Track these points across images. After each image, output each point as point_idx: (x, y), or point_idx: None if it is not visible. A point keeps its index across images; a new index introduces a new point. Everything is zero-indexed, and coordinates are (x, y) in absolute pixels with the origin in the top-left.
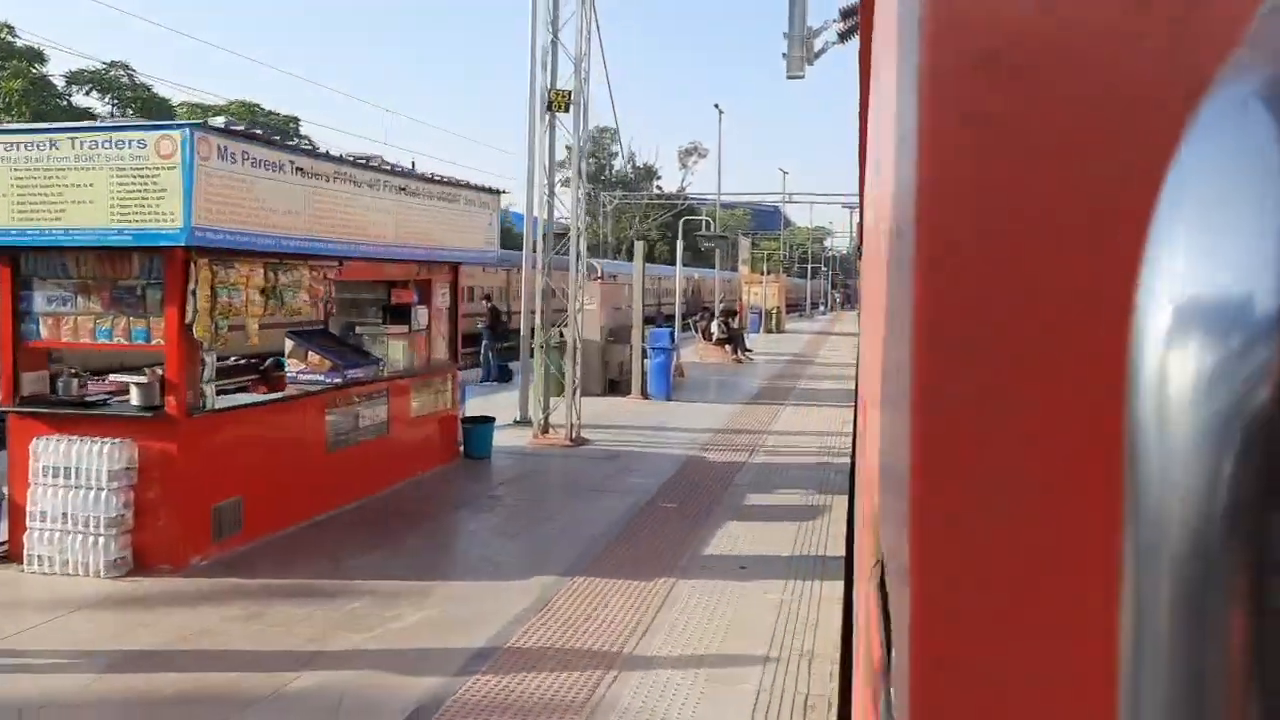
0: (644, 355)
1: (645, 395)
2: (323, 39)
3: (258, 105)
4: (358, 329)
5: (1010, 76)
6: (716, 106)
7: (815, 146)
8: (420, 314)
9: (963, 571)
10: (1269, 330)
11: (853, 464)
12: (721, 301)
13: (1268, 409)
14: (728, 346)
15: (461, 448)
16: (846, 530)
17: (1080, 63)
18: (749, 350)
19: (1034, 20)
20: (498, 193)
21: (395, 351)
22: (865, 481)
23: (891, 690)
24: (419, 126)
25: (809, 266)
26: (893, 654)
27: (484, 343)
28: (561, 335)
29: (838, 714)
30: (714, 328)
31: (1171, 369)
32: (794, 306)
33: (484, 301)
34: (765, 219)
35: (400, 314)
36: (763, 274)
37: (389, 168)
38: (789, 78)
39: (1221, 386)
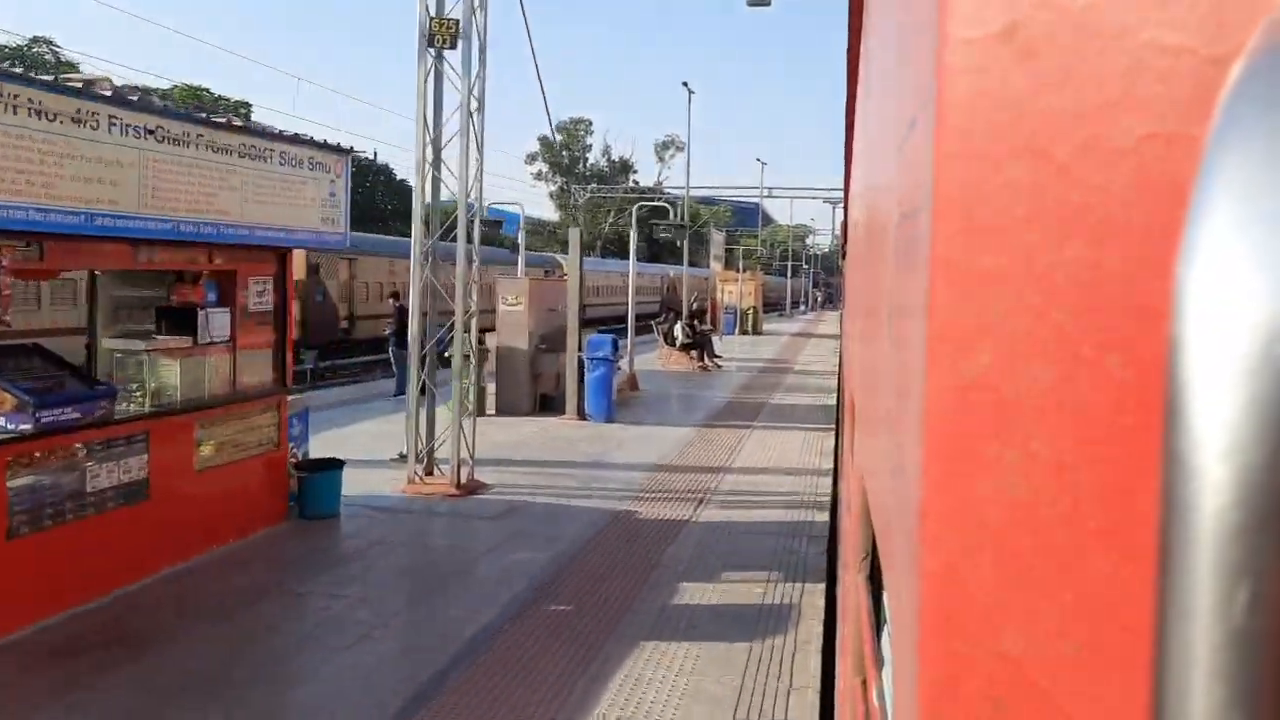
0: (582, 367)
1: (582, 415)
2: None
3: (205, 89)
4: (107, 344)
5: (1029, 49)
6: (685, 85)
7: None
8: (215, 320)
9: (975, 565)
10: None
11: (837, 462)
12: (695, 301)
13: None
14: (693, 353)
15: (296, 504)
16: (830, 520)
17: (1101, 32)
18: (718, 356)
19: None
20: (345, 151)
21: (166, 375)
22: (853, 473)
23: (885, 678)
24: (381, 114)
25: (788, 264)
26: (883, 642)
27: (391, 350)
28: (483, 341)
29: (819, 703)
30: (677, 331)
31: (1218, 331)
32: (774, 305)
33: (390, 301)
34: (747, 216)
35: (182, 320)
36: (739, 271)
37: (136, 98)
38: (750, 5)
39: (1268, 346)
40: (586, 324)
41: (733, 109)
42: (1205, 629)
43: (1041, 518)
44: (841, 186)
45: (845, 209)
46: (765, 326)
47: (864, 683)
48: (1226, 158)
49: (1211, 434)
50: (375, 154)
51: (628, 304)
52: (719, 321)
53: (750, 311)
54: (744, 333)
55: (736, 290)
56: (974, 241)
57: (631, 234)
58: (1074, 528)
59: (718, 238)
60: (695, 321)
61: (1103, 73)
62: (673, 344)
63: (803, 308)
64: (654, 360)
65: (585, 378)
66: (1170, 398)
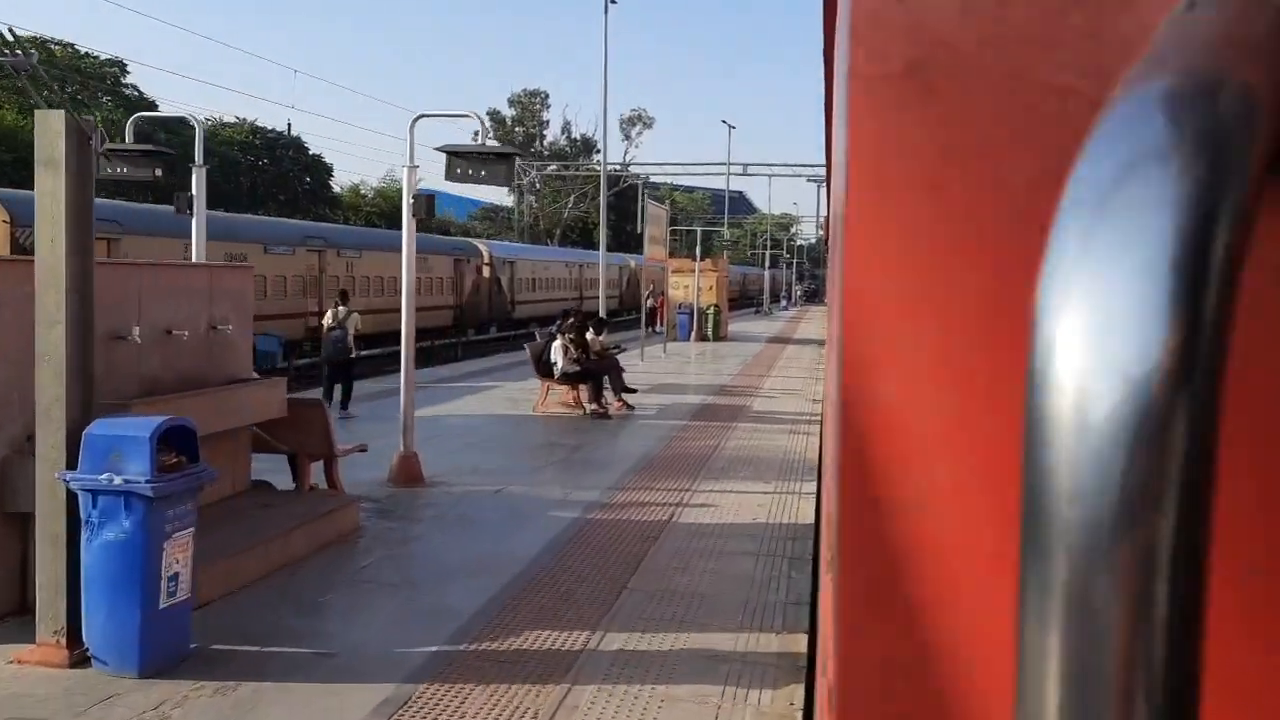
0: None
1: (74, 643)
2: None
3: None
4: None
5: (932, 85)
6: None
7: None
8: None
9: (877, 565)
10: (1153, 331)
11: (820, 461)
12: (650, 296)
13: (1156, 408)
14: (582, 388)
15: None
16: (814, 524)
17: (999, 72)
18: (629, 391)
19: (955, 31)
20: None
21: None
22: (827, 479)
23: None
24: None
25: (765, 253)
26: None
27: None
28: None
29: (804, 707)
30: (555, 354)
31: (1065, 367)
32: (749, 300)
33: None
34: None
35: None
36: (695, 258)
37: None
38: None
39: (1112, 385)
40: (518, 325)
41: (709, 82)
42: (1058, 669)
43: (943, 542)
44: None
45: (828, 200)
46: (732, 328)
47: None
48: (1079, 201)
49: (1057, 478)
50: (290, 125)
51: (579, 299)
52: (675, 320)
53: (711, 312)
54: (702, 338)
55: (692, 284)
56: (880, 270)
57: (602, 218)
58: (970, 555)
59: (657, 212)
60: (584, 337)
61: (996, 111)
62: (550, 373)
63: (784, 303)
64: (520, 398)
65: (84, 551)
66: (1025, 441)
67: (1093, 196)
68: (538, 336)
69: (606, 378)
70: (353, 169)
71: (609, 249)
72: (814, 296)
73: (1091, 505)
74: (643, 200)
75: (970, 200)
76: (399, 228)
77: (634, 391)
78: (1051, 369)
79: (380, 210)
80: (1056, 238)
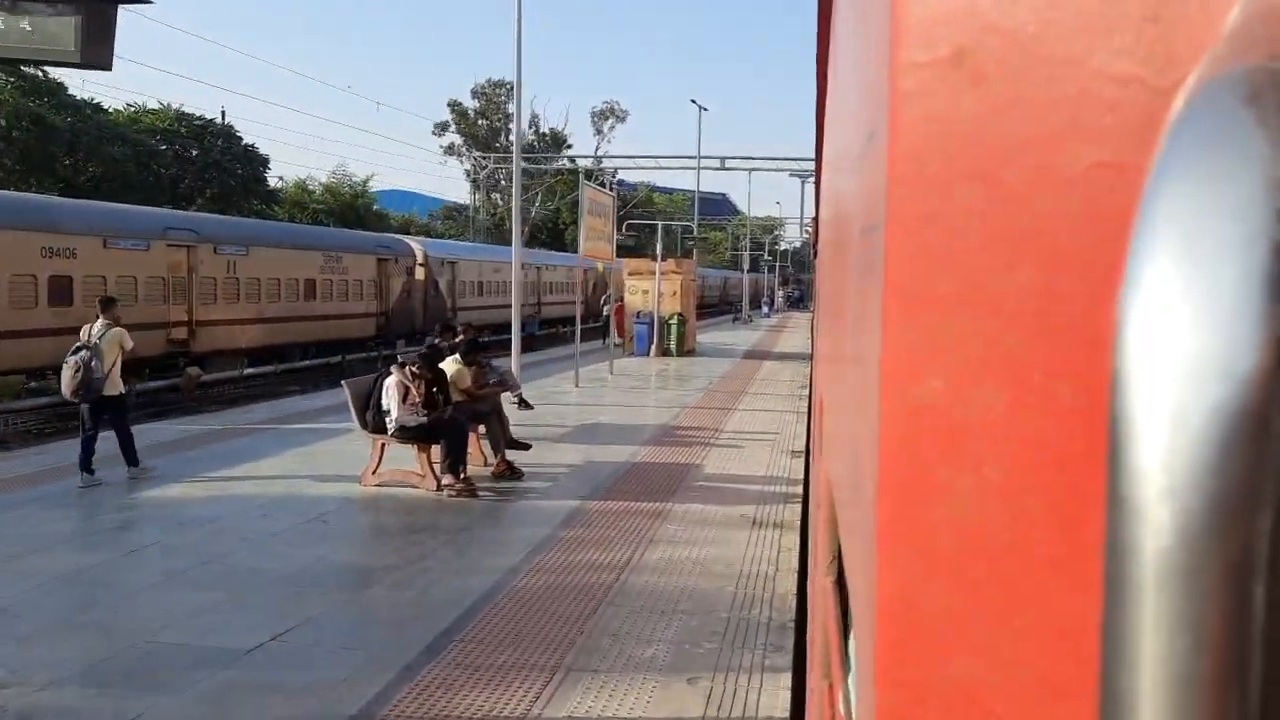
0: None
1: None
2: None
3: None
4: None
5: (982, 72)
6: None
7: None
8: None
9: (929, 592)
10: (1253, 328)
11: (807, 459)
12: (605, 302)
13: (1255, 404)
14: (436, 450)
15: None
16: (801, 523)
17: (1053, 59)
18: (519, 446)
19: (1006, 17)
20: None
21: None
22: (823, 476)
23: (850, 683)
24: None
25: (745, 254)
26: (850, 645)
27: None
28: None
29: (791, 707)
30: (388, 397)
31: (1157, 362)
32: (726, 306)
33: None
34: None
35: None
36: (656, 258)
37: None
38: None
39: (1206, 385)
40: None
41: (687, 78)
42: (1149, 672)
43: (994, 544)
44: (808, 157)
45: (816, 204)
46: (703, 339)
47: (830, 686)
48: (1166, 189)
49: (1151, 475)
50: (223, 112)
51: (538, 304)
52: (626, 328)
53: (674, 322)
54: (663, 353)
55: (652, 289)
56: (926, 265)
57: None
58: (1025, 555)
59: (599, 199)
60: (438, 369)
61: (1052, 100)
62: (382, 427)
63: (765, 310)
64: (348, 453)
65: None
66: (1112, 435)
67: (1183, 187)
68: (390, 372)
69: (484, 427)
70: (302, 162)
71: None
72: (798, 302)
73: (1186, 503)
74: (582, 189)
75: (1022, 191)
76: (350, 226)
77: (526, 447)
78: (1143, 365)
79: (329, 208)
80: (1143, 230)
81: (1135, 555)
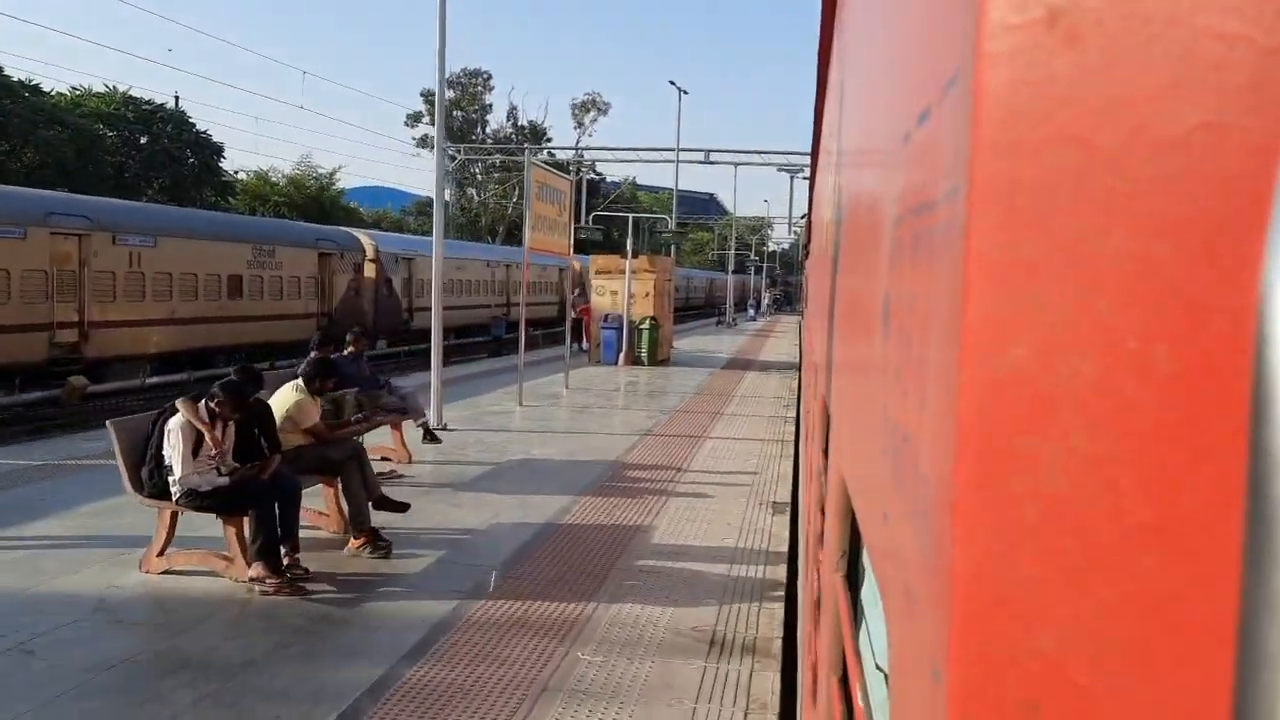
0: None
1: None
2: None
3: None
4: None
5: (1077, 33)
6: None
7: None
8: None
9: (1010, 564)
10: None
11: (796, 456)
12: (575, 301)
13: None
14: (262, 566)
15: None
16: (790, 522)
17: (1154, 18)
18: (394, 507)
19: None
20: None
21: None
22: (833, 475)
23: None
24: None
25: (731, 253)
26: (863, 640)
27: None
28: None
29: (780, 703)
30: (170, 449)
31: None
32: (712, 308)
33: None
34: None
35: None
36: (626, 255)
37: None
38: None
39: None
40: (419, 339)
41: (673, 70)
42: None
43: (1081, 514)
44: (798, 151)
45: (809, 205)
46: (681, 344)
47: (843, 680)
48: None
49: None
50: (176, 98)
51: (507, 304)
52: (591, 332)
53: (645, 327)
54: (634, 362)
55: (622, 290)
56: (1012, 232)
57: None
58: (1115, 524)
59: (552, 182)
60: (243, 401)
61: (1152, 60)
62: (165, 490)
63: (751, 312)
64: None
65: None
66: (1257, 399)
67: None
68: (174, 409)
69: (341, 482)
70: (271, 153)
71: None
72: (785, 304)
73: None
74: (528, 168)
75: (1117, 154)
76: (314, 221)
77: (401, 508)
78: None
79: (291, 201)
80: None
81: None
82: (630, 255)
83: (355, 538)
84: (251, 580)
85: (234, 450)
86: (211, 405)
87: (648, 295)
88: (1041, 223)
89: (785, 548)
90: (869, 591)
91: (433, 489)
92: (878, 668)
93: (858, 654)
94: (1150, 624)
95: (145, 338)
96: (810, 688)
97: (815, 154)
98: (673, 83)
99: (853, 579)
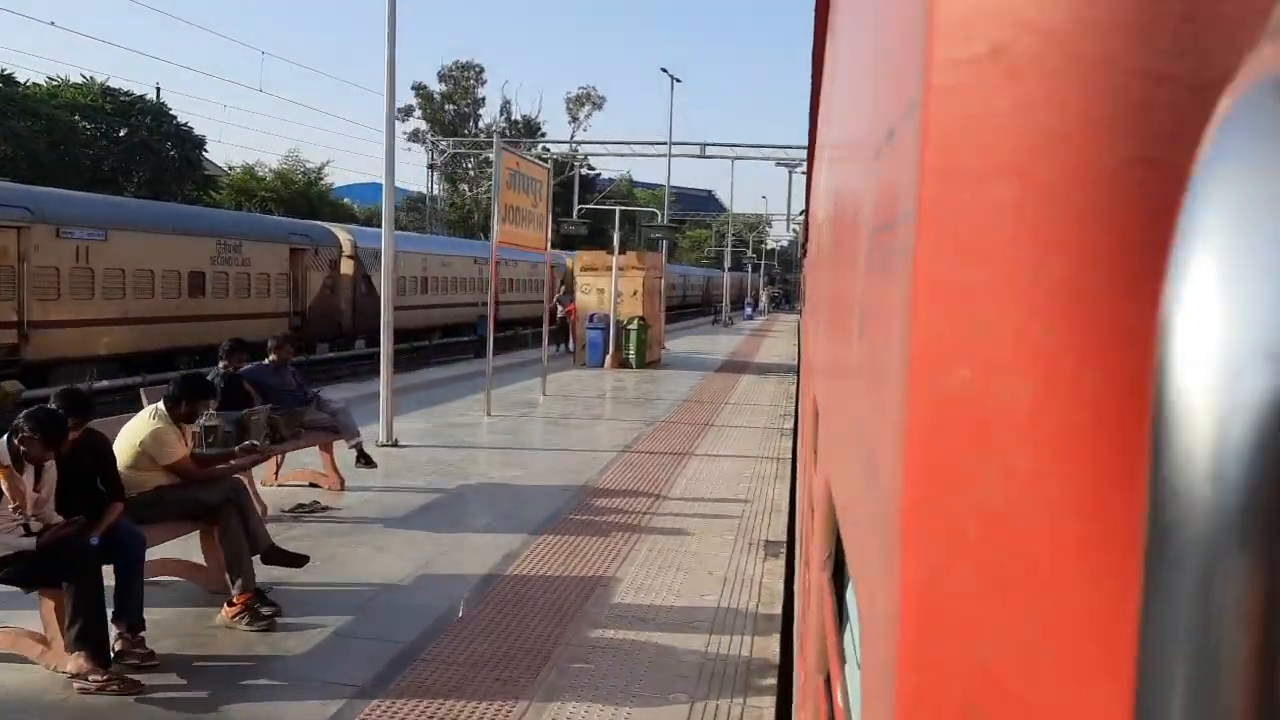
0: None
1: None
2: None
3: None
4: None
5: (1018, 69)
6: None
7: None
8: None
9: (953, 577)
10: None
11: (794, 455)
12: (557, 300)
13: None
14: (53, 604)
15: None
16: (788, 518)
17: (1089, 56)
18: (288, 561)
19: (1042, 14)
20: None
21: None
22: (818, 476)
23: (850, 677)
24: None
25: (727, 250)
26: (847, 640)
27: None
28: None
29: (777, 702)
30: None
31: (1202, 356)
32: (706, 306)
33: None
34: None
35: None
36: (612, 251)
37: None
38: None
39: (1250, 372)
40: (400, 339)
41: (671, 62)
42: (1187, 649)
43: (1019, 530)
44: (797, 145)
45: (807, 203)
46: (674, 344)
47: (827, 680)
48: (1213, 186)
49: (1196, 457)
50: (158, 89)
51: (500, 304)
52: (579, 333)
53: (633, 328)
54: (621, 365)
55: (608, 288)
56: (957, 257)
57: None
58: (1050, 541)
59: (529, 171)
60: (56, 436)
61: (1087, 97)
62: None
63: (748, 311)
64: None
65: None
66: (1155, 420)
67: (1227, 180)
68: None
69: (218, 536)
70: (260, 147)
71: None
72: (784, 303)
73: (1232, 483)
74: (497, 152)
75: (1055, 186)
76: (301, 216)
77: (297, 562)
78: (1188, 353)
79: (278, 196)
80: (1189, 221)
81: (1176, 535)
82: (617, 251)
83: (230, 603)
84: (70, 675)
85: (59, 499)
86: (18, 442)
87: (636, 293)
88: (984, 250)
89: (779, 607)
90: (853, 593)
91: (359, 526)
92: (859, 667)
93: (840, 654)
94: (1080, 636)
95: (94, 339)
96: (802, 686)
97: (811, 149)
98: (664, 70)
99: (839, 580)
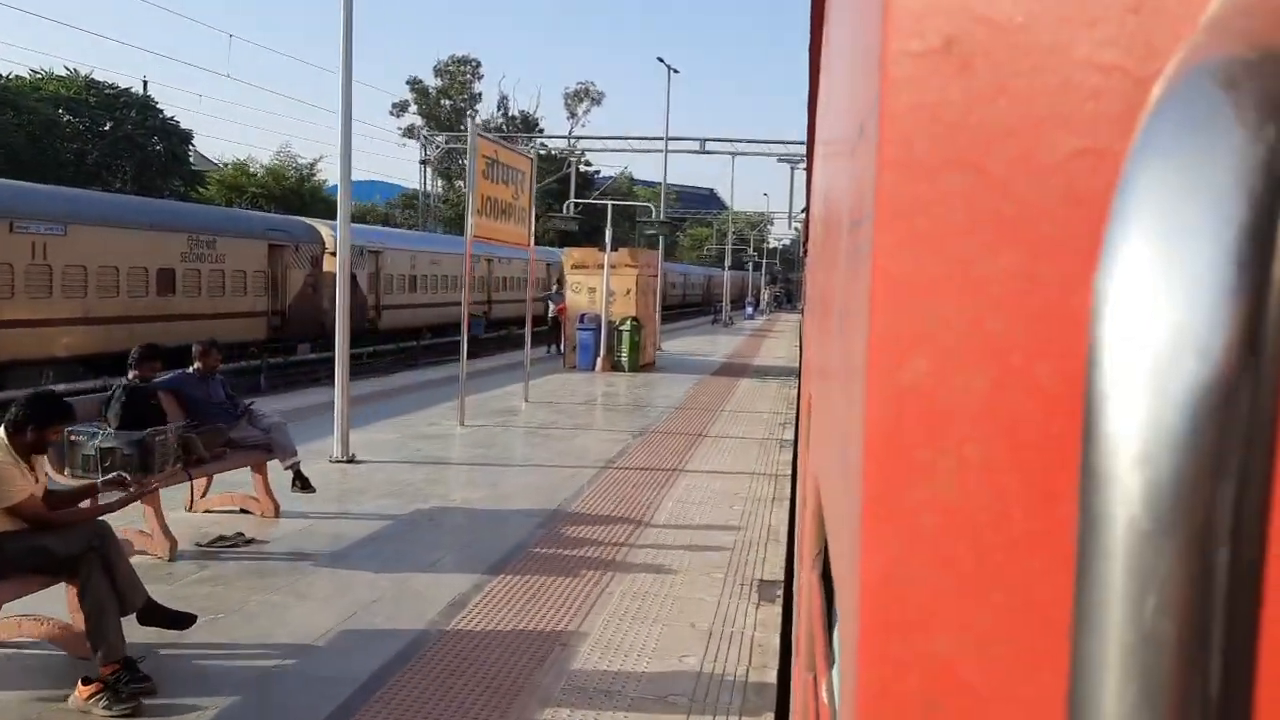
0: None
1: None
2: None
3: None
4: None
5: (969, 62)
6: None
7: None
8: None
9: (911, 569)
10: (1222, 305)
11: (794, 471)
12: (548, 299)
13: (1219, 381)
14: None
15: None
16: (789, 518)
17: (1039, 49)
18: (167, 623)
19: (993, 8)
20: None
21: None
22: (810, 471)
23: (834, 676)
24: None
25: (728, 248)
26: (835, 637)
27: None
28: None
29: (777, 701)
30: None
31: (1130, 342)
32: (707, 305)
33: None
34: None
35: None
36: (603, 249)
37: None
38: None
39: (1176, 359)
40: (386, 340)
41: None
42: (1117, 633)
43: (973, 522)
44: (797, 141)
45: (807, 201)
46: (672, 345)
47: (815, 679)
48: (1143, 174)
49: (1124, 444)
50: (145, 83)
51: (492, 303)
52: (569, 334)
53: (626, 329)
54: (613, 367)
55: (600, 286)
56: (913, 251)
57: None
58: (1002, 532)
59: (510, 161)
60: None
61: (1035, 89)
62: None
63: (749, 310)
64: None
65: None
66: (1086, 407)
67: (1156, 168)
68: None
69: (78, 594)
70: (253, 142)
71: (550, 243)
72: (786, 302)
73: (1156, 470)
74: (471, 137)
75: (1005, 178)
76: (293, 213)
77: (182, 623)
78: (1116, 340)
79: (270, 192)
80: (1120, 212)
81: (1106, 522)
82: (609, 248)
83: (86, 681)
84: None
85: None
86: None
87: (629, 292)
88: (939, 243)
89: (775, 672)
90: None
91: (284, 564)
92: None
93: (827, 651)
94: (1033, 628)
95: (52, 339)
96: (796, 688)
97: (810, 146)
98: (661, 59)
99: (829, 577)
